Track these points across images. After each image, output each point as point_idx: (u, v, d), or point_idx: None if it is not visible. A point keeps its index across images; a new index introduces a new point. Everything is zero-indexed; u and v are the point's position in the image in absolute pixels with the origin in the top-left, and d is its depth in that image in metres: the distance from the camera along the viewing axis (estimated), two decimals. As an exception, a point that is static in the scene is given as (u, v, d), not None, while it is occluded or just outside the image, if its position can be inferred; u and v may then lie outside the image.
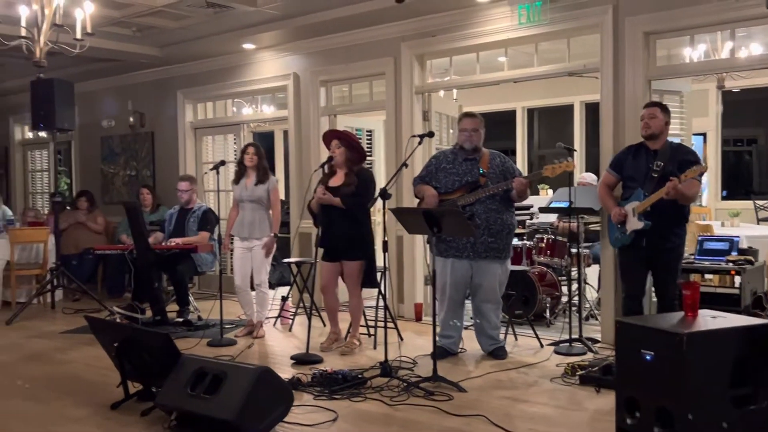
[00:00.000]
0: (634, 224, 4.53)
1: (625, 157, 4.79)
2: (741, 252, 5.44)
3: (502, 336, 5.31)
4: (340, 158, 5.33)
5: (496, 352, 5.10)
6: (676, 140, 5.57)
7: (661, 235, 4.50)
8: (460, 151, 5.11)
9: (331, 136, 5.49)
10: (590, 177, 6.78)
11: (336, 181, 5.36)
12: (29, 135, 11.12)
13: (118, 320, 6.23)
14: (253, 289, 6.01)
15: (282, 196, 11.50)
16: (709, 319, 3.34)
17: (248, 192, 5.87)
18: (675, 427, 3.03)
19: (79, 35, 5.76)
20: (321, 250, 5.41)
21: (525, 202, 8.48)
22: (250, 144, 6.07)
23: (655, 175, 4.51)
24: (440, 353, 4.86)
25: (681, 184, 4.28)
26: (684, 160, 4.53)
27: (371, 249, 5.41)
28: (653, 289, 4.87)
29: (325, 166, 5.43)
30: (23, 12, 5.72)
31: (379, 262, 5.46)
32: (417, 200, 5.31)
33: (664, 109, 4.68)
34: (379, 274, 5.54)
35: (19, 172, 11.27)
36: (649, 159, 4.61)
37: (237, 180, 5.98)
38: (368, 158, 7.73)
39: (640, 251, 4.59)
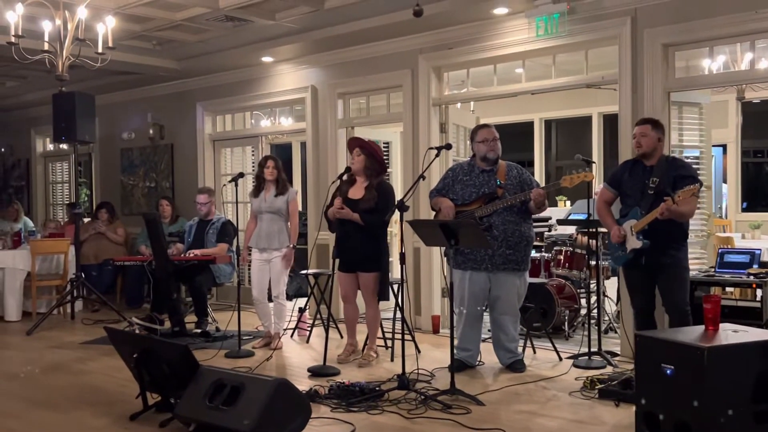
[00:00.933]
0: (633, 243, 4.51)
1: (622, 173, 4.75)
2: (762, 265, 5.37)
3: (520, 349, 5.28)
4: (359, 165, 5.33)
5: (515, 365, 5.07)
6: (694, 152, 5.52)
7: (660, 252, 4.46)
8: (479, 162, 5.08)
9: (355, 143, 5.50)
10: None
11: (355, 192, 5.35)
12: (50, 147, 11.27)
13: (137, 331, 6.27)
14: (270, 300, 6.03)
15: (300, 208, 11.57)
16: (731, 333, 3.31)
17: (267, 204, 5.89)
18: (696, 442, 3.00)
19: (100, 49, 5.86)
20: (338, 260, 5.41)
21: (543, 214, 8.45)
22: (269, 157, 6.09)
23: (651, 192, 4.46)
24: (458, 366, 4.84)
25: (674, 204, 4.22)
26: (678, 175, 4.46)
27: (386, 261, 5.42)
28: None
29: (345, 175, 5.43)
30: (46, 27, 5.83)
31: (396, 274, 5.44)
32: (434, 213, 5.31)
33: (656, 126, 4.61)
34: (396, 286, 5.54)
35: (40, 183, 11.42)
36: (645, 175, 4.56)
37: (256, 193, 6.00)
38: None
39: (641, 268, 4.56)
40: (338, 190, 5.41)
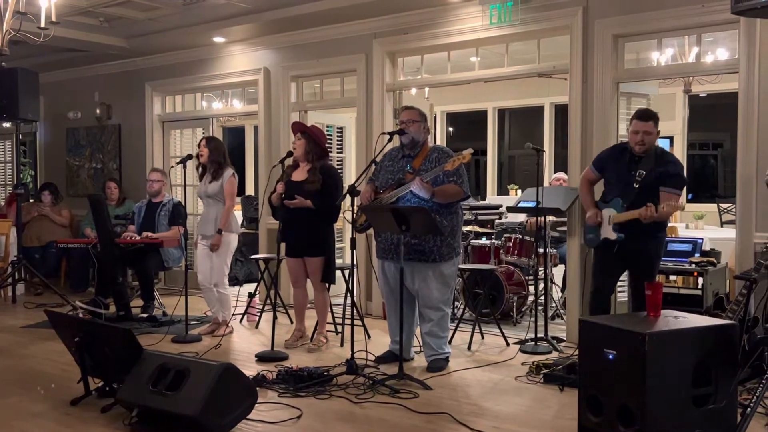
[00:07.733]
0: (608, 233, 4.48)
1: (608, 158, 4.66)
2: (704, 254, 5.52)
3: (442, 344, 4.82)
4: (301, 150, 5.29)
5: (431, 365, 4.73)
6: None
7: (635, 240, 4.43)
8: (402, 147, 4.88)
9: (297, 127, 5.45)
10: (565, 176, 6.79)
11: (299, 175, 5.30)
12: (-8, 125, 10.89)
13: (81, 315, 6.13)
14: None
15: (252, 192, 11.43)
16: (671, 320, 3.38)
17: (204, 188, 5.80)
18: (636, 425, 3.06)
19: (43, 24, 5.64)
20: (284, 245, 5.35)
21: (494, 202, 8.52)
22: (202, 138, 6.01)
23: (636, 186, 4.40)
24: (389, 357, 4.81)
25: (656, 213, 4.22)
26: (666, 172, 4.40)
27: (332, 244, 5.38)
28: (628, 288, 4.83)
29: (286, 160, 5.37)
30: (-15, -1, 5.58)
31: (347, 259, 5.41)
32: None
33: (657, 121, 4.50)
34: (347, 272, 5.51)
35: (-19, 163, 11.04)
36: (631, 165, 4.48)
37: (201, 176, 5.90)
38: (339, 155, 7.71)
39: (614, 254, 4.53)
40: (283, 174, 5.36)
